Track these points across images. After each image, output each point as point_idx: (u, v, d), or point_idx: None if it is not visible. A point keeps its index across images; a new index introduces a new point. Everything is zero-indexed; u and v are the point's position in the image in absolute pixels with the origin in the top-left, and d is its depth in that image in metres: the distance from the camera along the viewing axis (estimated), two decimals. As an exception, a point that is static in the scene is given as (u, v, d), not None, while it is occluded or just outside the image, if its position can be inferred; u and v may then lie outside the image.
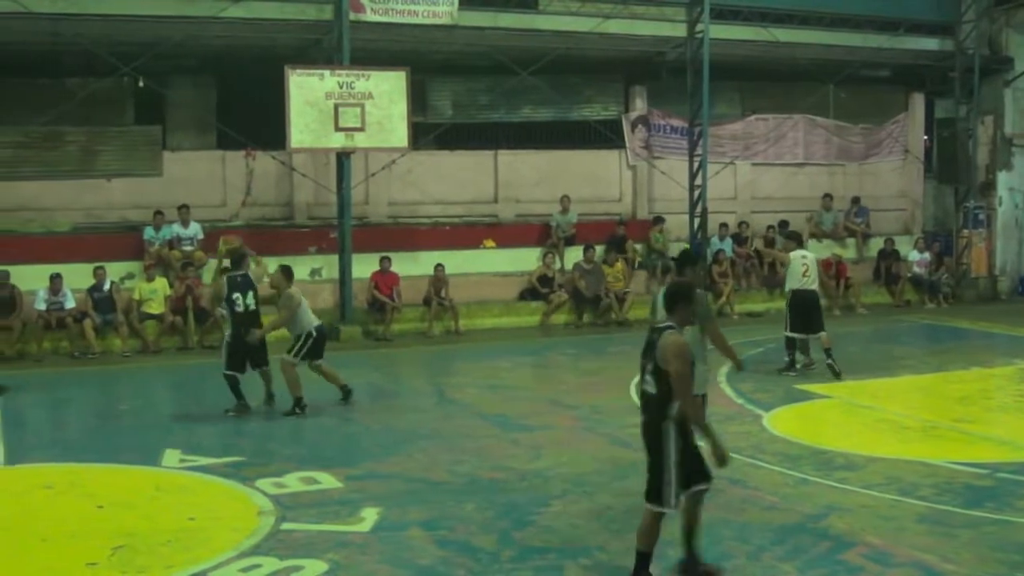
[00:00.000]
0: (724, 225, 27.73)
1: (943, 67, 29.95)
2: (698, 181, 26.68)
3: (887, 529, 10.03)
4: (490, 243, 26.36)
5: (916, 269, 28.80)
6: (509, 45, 25.15)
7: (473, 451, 13.42)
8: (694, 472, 8.60)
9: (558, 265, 26.04)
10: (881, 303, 28.66)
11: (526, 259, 26.05)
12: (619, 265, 25.80)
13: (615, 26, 25.68)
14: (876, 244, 29.61)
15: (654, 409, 8.59)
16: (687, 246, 24.76)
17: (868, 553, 9.47)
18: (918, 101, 31.95)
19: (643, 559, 8.67)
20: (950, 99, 30.46)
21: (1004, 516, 10.53)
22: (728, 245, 27.50)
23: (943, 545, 9.68)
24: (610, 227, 27.15)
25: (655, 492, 8.52)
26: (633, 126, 28.53)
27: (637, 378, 9.09)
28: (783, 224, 27.69)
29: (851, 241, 29.59)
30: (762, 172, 30.11)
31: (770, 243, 27.60)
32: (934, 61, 30.03)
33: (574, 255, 26.06)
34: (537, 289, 25.48)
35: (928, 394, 17.75)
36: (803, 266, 18.39)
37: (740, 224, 28.48)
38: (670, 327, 8.71)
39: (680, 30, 26.34)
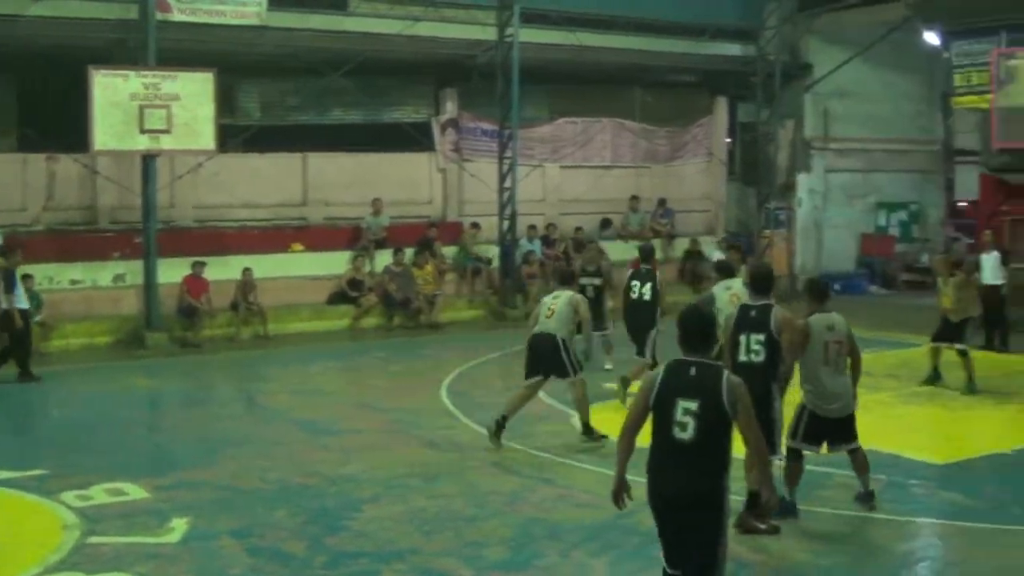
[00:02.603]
0: (533, 227, 28.02)
1: (746, 72, 30.63)
2: (508, 183, 26.82)
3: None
4: (298, 247, 26.09)
5: (718, 269, 29.33)
6: (318, 46, 24.93)
7: (283, 457, 13.34)
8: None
9: (368, 268, 25.94)
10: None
11: (336, 262, 25.83)
12: (429, 267, 25.81)
13: (424, 28, 25.61)
14: (681, 244, 30.21)
15: (760, 376, 9.77)
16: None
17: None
18: (722, 105, 32.72)
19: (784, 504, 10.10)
20: (752, 103, 31.25)
21: (806, 506, 10.87)
22: (537, 246, 27.77)
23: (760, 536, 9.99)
24: (420, 230, 27.17)
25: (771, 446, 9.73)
26: (443, 129, 28.60)
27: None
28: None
29: (657, 242, 30.02)
30: (571, 174, 30.45)
31: (579, 245, 27.91)
32: (737, 66, 30.71)
33: (384, 258, 25.97)
34: (347, 292, 25.32)
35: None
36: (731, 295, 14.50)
37: (548, 226, 28.81)
38: (771, 304, 10.01)
39: (490, 33, 26.42)
